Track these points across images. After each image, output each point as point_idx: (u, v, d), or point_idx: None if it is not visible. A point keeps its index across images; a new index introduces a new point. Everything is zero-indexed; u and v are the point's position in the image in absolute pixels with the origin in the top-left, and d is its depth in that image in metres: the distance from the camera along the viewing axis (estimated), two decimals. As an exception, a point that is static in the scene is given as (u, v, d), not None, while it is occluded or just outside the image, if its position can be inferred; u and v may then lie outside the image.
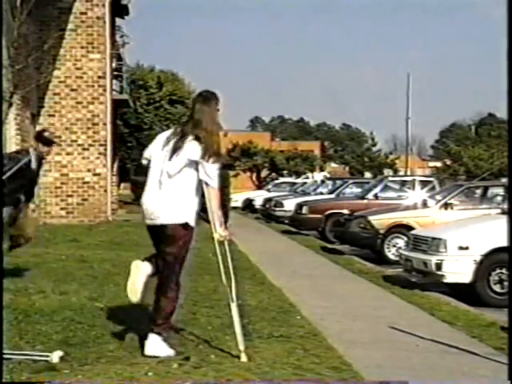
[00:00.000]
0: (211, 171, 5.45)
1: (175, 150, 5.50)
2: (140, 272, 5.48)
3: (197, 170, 5.47)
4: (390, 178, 22.20)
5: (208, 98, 5.67)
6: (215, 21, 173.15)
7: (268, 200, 28.45)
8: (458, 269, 9.22)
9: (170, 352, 5.45)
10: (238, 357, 5.44)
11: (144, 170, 5.80)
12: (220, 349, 5.68)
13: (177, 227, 5.46)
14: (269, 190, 36.99)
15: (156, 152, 5.65)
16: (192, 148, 5.47)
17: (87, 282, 9.03)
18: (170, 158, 5.50)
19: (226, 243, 5.64)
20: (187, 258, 5.65)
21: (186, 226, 5.48)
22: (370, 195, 18.39)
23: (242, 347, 5.48)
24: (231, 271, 5.56)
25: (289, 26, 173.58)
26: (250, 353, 5.54)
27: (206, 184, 5.49)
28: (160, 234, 5.53)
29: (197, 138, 5.48)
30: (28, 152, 8.28)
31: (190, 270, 7.80)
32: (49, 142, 8.32)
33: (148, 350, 5.45)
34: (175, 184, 5.48)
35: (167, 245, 5.50)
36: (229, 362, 5.31)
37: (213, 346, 5.77)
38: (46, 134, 8.56)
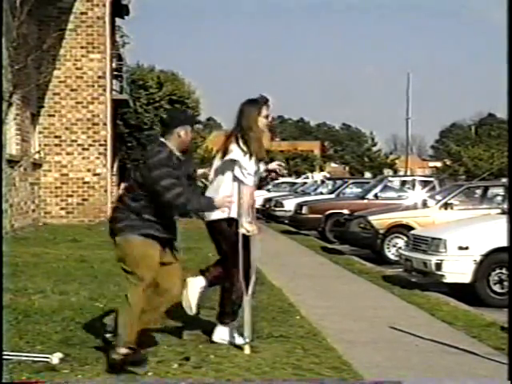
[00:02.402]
0: (246, 169, 5.76)
1: (223, 152, 5.89)
2: (192, 288, 5.82)
3: (234, 168, 5.80)
4: (390, 178, 22.16)
5: (249, 103, 5.92)
6: (215, 21, 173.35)
7: (268, 200, 28.38)
8: (458, 269, 9.21)
9: (240, 340, 5.74)
10: (242, 348, 5.60)
11: None
12: (220, 349, 5.68)
13: (219, 222, 5.80)
14: (269, 190, 36.93)
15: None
16: (232, 148, 5.80)
17: (87, 281, 9.03)
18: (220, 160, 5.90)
19: (251, 238, 5.88)
20: (241, 249, 5.76)
21: (228, 219, 5.78)
22: (370, 195, 18.35)
23: (248, 339, 5.64)
24: (252, 265, 5.78)
25: (289, 26, 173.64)
26: (250, 353, 5.56)
27: (241, 181, 5.78)
28: (210, 230, 5.93)
29: (237, 140, 5.80)
30: None
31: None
32: None
33: (216, 337, 5.88)
34: (218, 182, 5.85)
35: (219, 240, 5.89)
36: (229, 362, 5.31)
37: (213, 346, 5.78)
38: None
